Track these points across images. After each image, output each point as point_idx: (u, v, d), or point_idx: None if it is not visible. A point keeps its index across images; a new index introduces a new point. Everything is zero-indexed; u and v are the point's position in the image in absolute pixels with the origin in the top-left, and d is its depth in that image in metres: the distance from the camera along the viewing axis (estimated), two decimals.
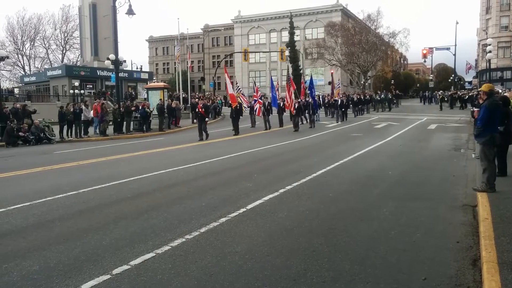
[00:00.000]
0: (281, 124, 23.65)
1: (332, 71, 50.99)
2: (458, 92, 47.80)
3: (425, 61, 67.49)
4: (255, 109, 23.97)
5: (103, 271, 4.32)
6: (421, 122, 25.26)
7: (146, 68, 68.36)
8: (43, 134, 19.70)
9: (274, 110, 24.48)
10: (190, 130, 24.52)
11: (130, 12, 23.51)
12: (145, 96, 32.48)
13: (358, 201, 7.04)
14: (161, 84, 32.61)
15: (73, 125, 21.32)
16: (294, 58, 55.42)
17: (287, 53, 50.55)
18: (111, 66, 25.45)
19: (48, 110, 27.13)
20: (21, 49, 64.86)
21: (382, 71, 58.39)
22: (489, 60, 32.81)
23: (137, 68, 54.96)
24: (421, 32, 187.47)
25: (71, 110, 21.19)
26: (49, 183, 9.30)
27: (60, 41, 65.50)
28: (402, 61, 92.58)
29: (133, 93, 42.86)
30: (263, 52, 61.89)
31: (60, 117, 20.78)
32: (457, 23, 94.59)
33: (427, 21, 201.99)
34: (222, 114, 34.53)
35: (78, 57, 59.35)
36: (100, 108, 21.82)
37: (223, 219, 6.04)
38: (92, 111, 22.07)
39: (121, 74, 31.46)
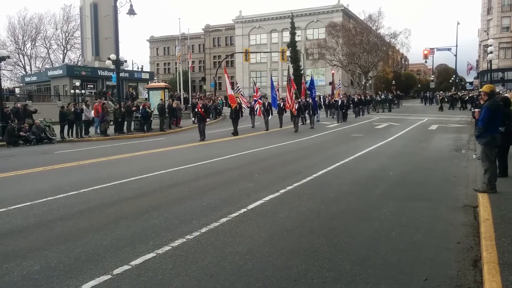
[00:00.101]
0: (281, 124, 23.64)
1: (333, 72, 51.05)
2: (458, 93, 47.78)
3: (426, 62, 67.68)
4: (255, 109, 23.98)
5: (104, 271, 4.32)
6: (422, 123, 25.26)
7: (147, 68, 68.39)
8: (44, 134, 19.71)
9: (274, 110, 24.46)
10: (191, 130, 24.51)
11: (131, 12, 23.55)
12: (146, 96, 32.54)
13: (359, 202, 7.04)
14: (162, 84, 32.64)
15: (74, 125, 21.33)
16: (295, 59, 55.43)
17: (288, 53, 50.56)
18: (112, 66, 25.45)
19: (49, 110, 27.16)
20: (22, 49, 65.02)
21: (383, 72, 58.34)
22: (490, 61, 32.76)
23: (138, 68, 55.04)
24: (422, 32, 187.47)
25: (72, 110, 21.20)
26: (50, 183, 9.31)
27: (61, 41, 65.68)
28: (403, 62, 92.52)
29: (134, 93, 42.90)
30: (264, 52, 61.87)
31: (61, 117, 20.80)
32: (458, 23, 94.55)
33: (428, 22, 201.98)
34: (223, 114, 34.54)
35: (79, 57, 59.40)
36: (101, 108, 21.83)
37: (224, 219, 6.04)
38: (93, 111, 22.08)
39: (122, 74, 31.43)
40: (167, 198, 7.51)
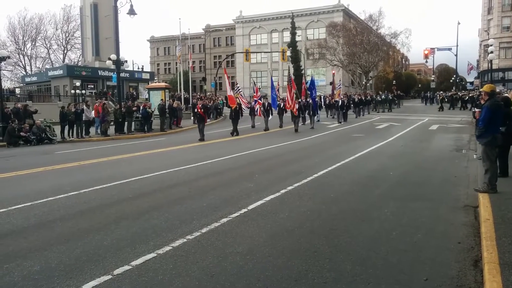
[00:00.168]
0: (281, 124, 23.63)
1: (333, 72, 51.03)
2: (458, 93, 47.76)
3: (426, 62, 67.69)
4: (256, 109, 23.98)
5: (104, 271, 4.32)
6: (423, 123, 25.25)
7: (147, 68, 68.43)
8: (44, 134, 19.72)
9: (274, 111, 24.44)
10: (191, 130, 24.52)
11: (131, 12, 23.55)
12: (147, 96, 32.53)
13: (359, 202, 7.04)
14: (163, 84, 32.65)
15: (74, 125, 21.35)
16: (295, 59, 55.43)
17: (288, 53, 50.51)
18: (113, 66, 25.46)
19: (49, 110, 27.20)
20: (22, 49, 65.05)
21: (383, 72, 58.35)
22: (491, 61, 32.73)
23: (138, 68, 55.04)
24: (422, 32, 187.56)
25: (73, 110, 21.22)
26: (50, 183, 9.31)
27: (62, 41, 65.72)
28: (403, 62, 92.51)
29: (135, 93, 42.89)
30: (264, 52, 61.90)
31: (62, 117, 20.81)
32: (459, 23, 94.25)
33: (428, 22, 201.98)
34: (223, 115, 34.56)
35: (79, 57, 59.42)
36: (102, 108, 21.84)
37: (224, 220, 6.04)
38: (93, 111, 22.09)
39: (122, 74, 31.44)
40: (167, 198, 7.51)
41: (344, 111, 27.40)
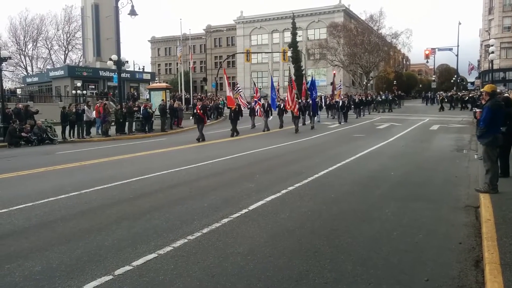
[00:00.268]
0: (281, 125, 23.62)
1: (334, 72, 51.01)
2: (459, 93, 47.72)
3: (427, 62, 67.47)
4: (256, 110, 23.98)
5: (105, 271, 4.33)
6: (424, 123, 25.24)
7: (148, 68, 68.37)
8: (45, 135, 19.72)
9: (274, 112, 24.44)
10: (192, 130, 24.51)
11: (132, 12, 23.56)
12: (147, 97, 32.55)
13: (360, 202, 7.04)
14: (163, 84, 32.72)
15: (76, 125, 21.34)
16: (296, 59, 55.43)
17: (289, 53, 50.55)
18: (114, 67, 25.46)
19: (50, 111, 27.21)
20: (23, 49, 65.17)
21: (384, 72, 58.33)
22: (492, 61, 32.68)
23: (139, 68, 54.99)
24: (423, 32, 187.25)
25: (74, 110, 21.22)
26: (52, 183, 9.32)
27: (63, 41, 65.81)
28: (404, 62, 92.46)
29: (135, 93, 42.89)
30: (265, 52, 61.94)
31: (63, 117, 20.83)
32: (459, 23, 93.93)
33: (429, 22, 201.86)
34: (224, 115, 34.56)
35: (80, 58, 59.56)
36: (102, 109, 21.86)
37: (225, 220, 6.04)
38: (94, 112, 22.11)
39: (123, 75, 31.50)
40: (168, 199, 7.51)
41: (344, 111, 27.39)
